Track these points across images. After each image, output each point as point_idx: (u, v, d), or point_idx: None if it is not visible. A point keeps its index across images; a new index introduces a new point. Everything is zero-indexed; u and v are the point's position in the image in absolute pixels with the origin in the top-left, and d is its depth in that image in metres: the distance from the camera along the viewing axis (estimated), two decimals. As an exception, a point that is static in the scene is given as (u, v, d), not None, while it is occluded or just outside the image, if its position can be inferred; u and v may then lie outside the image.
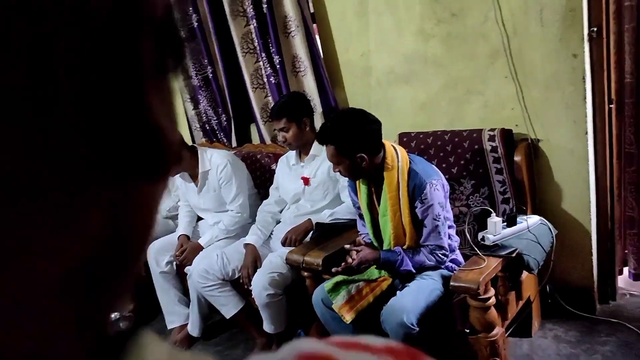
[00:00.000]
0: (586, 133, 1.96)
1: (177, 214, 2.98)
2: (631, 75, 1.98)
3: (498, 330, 1.68)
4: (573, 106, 1.94)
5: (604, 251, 2.17)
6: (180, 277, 2.65)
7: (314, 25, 2.60)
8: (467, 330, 1.71)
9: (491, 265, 1.68)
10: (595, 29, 1.86)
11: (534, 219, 1.91)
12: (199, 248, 2.53)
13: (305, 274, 2.08)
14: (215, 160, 2.56)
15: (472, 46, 2.10)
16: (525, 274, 1.95)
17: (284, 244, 2.24)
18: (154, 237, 2.71)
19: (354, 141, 1.72)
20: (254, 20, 2.65)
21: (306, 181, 2.37)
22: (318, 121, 2.48)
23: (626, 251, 2.28)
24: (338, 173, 2.28)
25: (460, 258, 1.91)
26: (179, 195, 2.95)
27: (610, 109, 1.98)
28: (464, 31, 2.09)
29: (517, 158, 2.03)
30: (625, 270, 2.32)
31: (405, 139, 2.32)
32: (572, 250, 2.10)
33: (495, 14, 1.98)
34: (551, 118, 2.01)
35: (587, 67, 1.89)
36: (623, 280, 2.33)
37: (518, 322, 1.99)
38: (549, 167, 2.08)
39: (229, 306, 2.31)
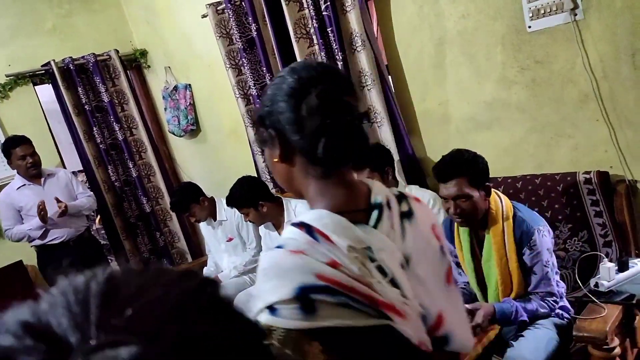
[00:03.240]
0: (689, 172, 1.93)
1: (252, 268, 3.03)
2: None
3: (624, 381, 1.62)
4: (673, 146, 1.93)
5: None
6: (267, 329, 2.67)
7: (389, 76, 2.70)
8: (590, 382, 1.65)
9: (613, 313, 1.64)
10: (691, 70, 1.87)
11: (645, 262, 1.87)
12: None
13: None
14: (300, 210, 2.62)
15: (559, 91, 2.12)
16: (637, 319, 1.88)
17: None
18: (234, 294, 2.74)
19: (483, 171, 1.75)
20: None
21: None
22: (397, 171, 2.53)
23: None
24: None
25: (568, 304, 1.86)
26: (254, 248, 3.02)
27: None
28: (550, 77, 2.13)
29: (616, 200, 2.01)
30: None
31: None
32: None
33: (582, 60, 2.02)
34: (650, 158, 1.99)
35: (685, 107, 1.89)
36: None
37: (633, 371, 1.91)
38: (650, 208, 2.04)
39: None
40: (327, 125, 0.72)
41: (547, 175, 2.18)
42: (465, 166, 1.74)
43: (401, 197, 0.81)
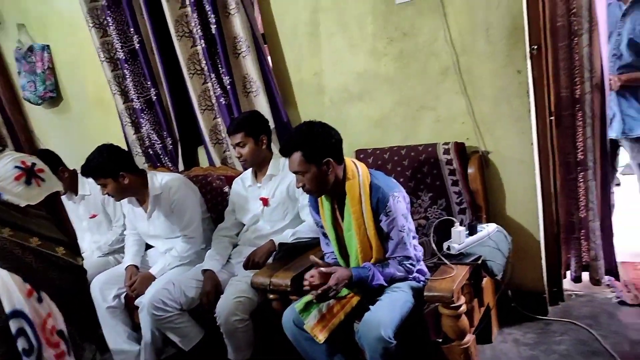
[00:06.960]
0: (532, 144, 2.09)
1: (118, 248, 2.80)
2: (566, 90, 2.15)
3: (469, 338, 1.72)
4: (520, 119, 2.07)
5: (552, 254, 2.30)
6: (129, 311, 2.47)
7: (265, 45, 2.60)
8: (440, 340, 1.73)
9: (461, 273, 1.72)
10: (535, 47, 2.01)
11: (492, 227, 1.99)
12: (151, 278, 2.38)
13: (272, 296, 2.01)
14: (167, 184, 2.45)
15: (423, 64, 2.18)
16: (485, 280, 2.01)
17: (246, 266, 2.17)
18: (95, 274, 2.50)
19: (321, 146, 1.72)
20: (202, 41, 2.59)
21: (265, 202, 2.32)
22: (273, 141, 2.45)
23: (568, 255, 2.42)
24: (298, 190, 2.27)
25: (425, 268, 1.93)
26: (121, 226, 2.78)
27: (551, 121, 2.13)
28: (416, 49, 2.18)
29: (470, 170, 2.12)
30: (568, 273, 2.47)
31: (362, 156, 2.35)
32: (523, 255, 2.21)
33: (445, 33, 2.08)
34: (500, 130, 2.12)
35: (530, 82, 2.03)
36: (566, 282, 2.48)
37: (479, 329, 2.03)
38: (499, 177, 2.19)
39: (189, 337, 2.18)
40: None
41: (411, 146, 2.24)
42: (297, 142, 1.73)
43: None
